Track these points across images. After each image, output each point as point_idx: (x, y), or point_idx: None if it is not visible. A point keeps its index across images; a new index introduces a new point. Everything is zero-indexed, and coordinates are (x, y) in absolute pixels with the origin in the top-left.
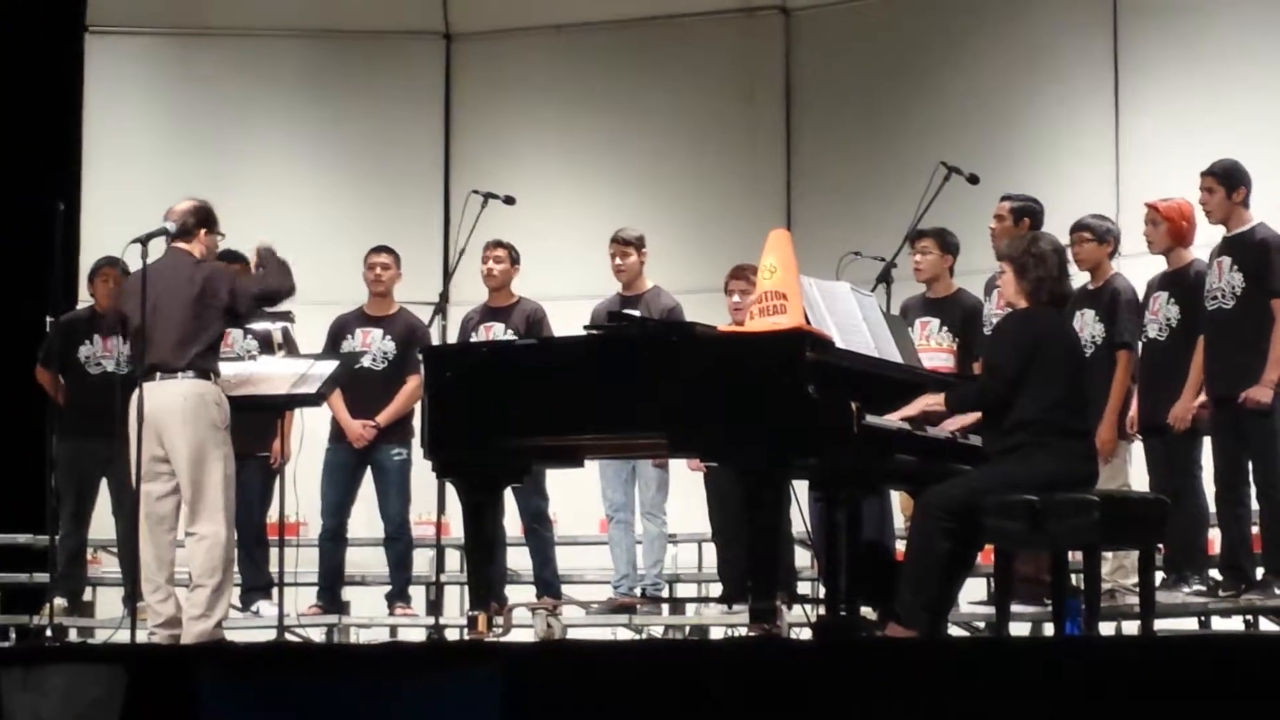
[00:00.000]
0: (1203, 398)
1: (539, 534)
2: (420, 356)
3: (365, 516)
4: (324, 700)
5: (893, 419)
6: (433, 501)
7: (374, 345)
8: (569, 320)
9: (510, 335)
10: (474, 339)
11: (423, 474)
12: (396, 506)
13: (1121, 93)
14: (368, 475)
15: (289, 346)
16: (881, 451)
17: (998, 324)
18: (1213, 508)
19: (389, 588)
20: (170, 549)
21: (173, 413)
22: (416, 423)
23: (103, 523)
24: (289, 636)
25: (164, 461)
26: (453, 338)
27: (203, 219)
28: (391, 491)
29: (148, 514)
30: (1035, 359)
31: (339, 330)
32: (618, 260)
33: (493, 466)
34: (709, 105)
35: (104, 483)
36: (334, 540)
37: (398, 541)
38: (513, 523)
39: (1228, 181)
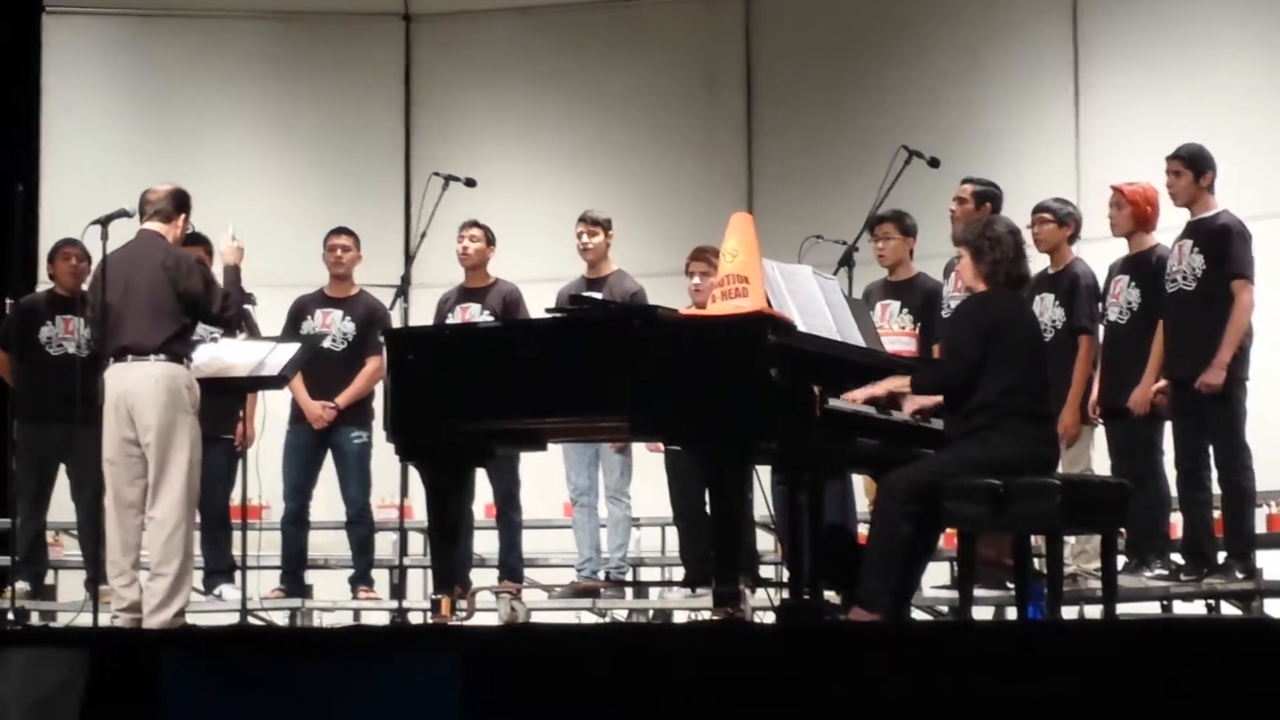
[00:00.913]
0: (1163, 382)
1: (509, 517)
2: (381, 338)
3: (327, 500)
4: (287, 683)
5: (858, 396)
6: (395, 485)
7: (334, 326)
8: (531, 303)
9: (487, 316)
10: (450, 320)
11: (385, 457)
12: (357, 490)
13: (1082, 77)
14: (329, 458)
15: (250, 329)
16: (844, 435)
17: (957, 307)
18: (1174, 492)
19: (352, 571)
20: (137, 533)
21: (143, 395)
22: (377, 405)
23: (63, 506)
24: (252, 620)
25: (133, 444)
26: (415, 320)
27: (181, 203)
28: (352, 475)
29: (115, 497)
30: (994, 342)
31: (299, 311)
32: (584, 239)
33: (455, 450)
34: (671, 89)
35: (63, 467)
36: (296, 523)
37: (359, 525)
38: (477, 506)
39: (1194, 165)
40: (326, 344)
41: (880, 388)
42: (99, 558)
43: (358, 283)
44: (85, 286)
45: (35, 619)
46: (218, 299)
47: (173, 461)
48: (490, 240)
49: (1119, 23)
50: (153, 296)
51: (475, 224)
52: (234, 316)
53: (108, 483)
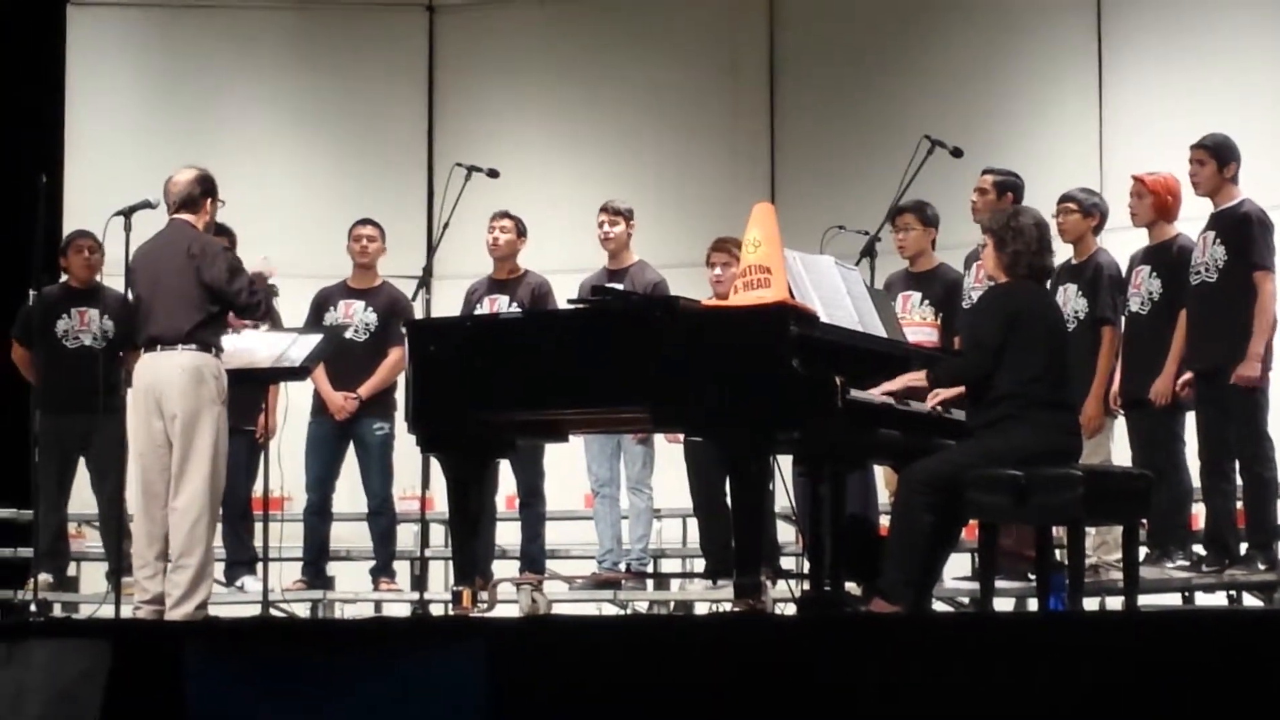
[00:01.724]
0: (1188, 374)
1: (532, 509)
2: (403, 329)
3: (349, 491)
4: (309, 675)
5: (876, 393)
6: (417, 476)
7: (356, 317)
8: (554, 294)
9: (515, 308)
10: (478, 311)
11: (407, 448)
12: (379, 482)
13: (1105, 66)
14: (351, 450)
15: (272, 320)
16: (865, 426)
17: (979, 298)
18: (1196, 483)
19: (373, 563)
20: (163, 525)
21: (170, 384)
22: (399, 396)
23: (85, 498)
24: (273, 611)
25: (161, 434)
26: (436, 311)
27: (207, 188)
28: (374, 466)
29: (143, 489)
30: (1016, 332)
31: (322, 302)
32: (606, 228)
33: (477, 441)
34: (693, 79)
35: (82, 459)
36: (318, 515)
37: (381, 516)
38: (499, 498)
39: (1219, 155)
40: (349, 335)
41: (896, 384)
42: (121, 549)
43: (380, 274)
44: (100, 278)
45: (58, 610)
46: (244, 286)
47: (197, 451)
48: (521, 231)
49: (1142, 11)
50: (180, 286)
51: (506, 215)
52: (259, 303)
53: (137, 474)
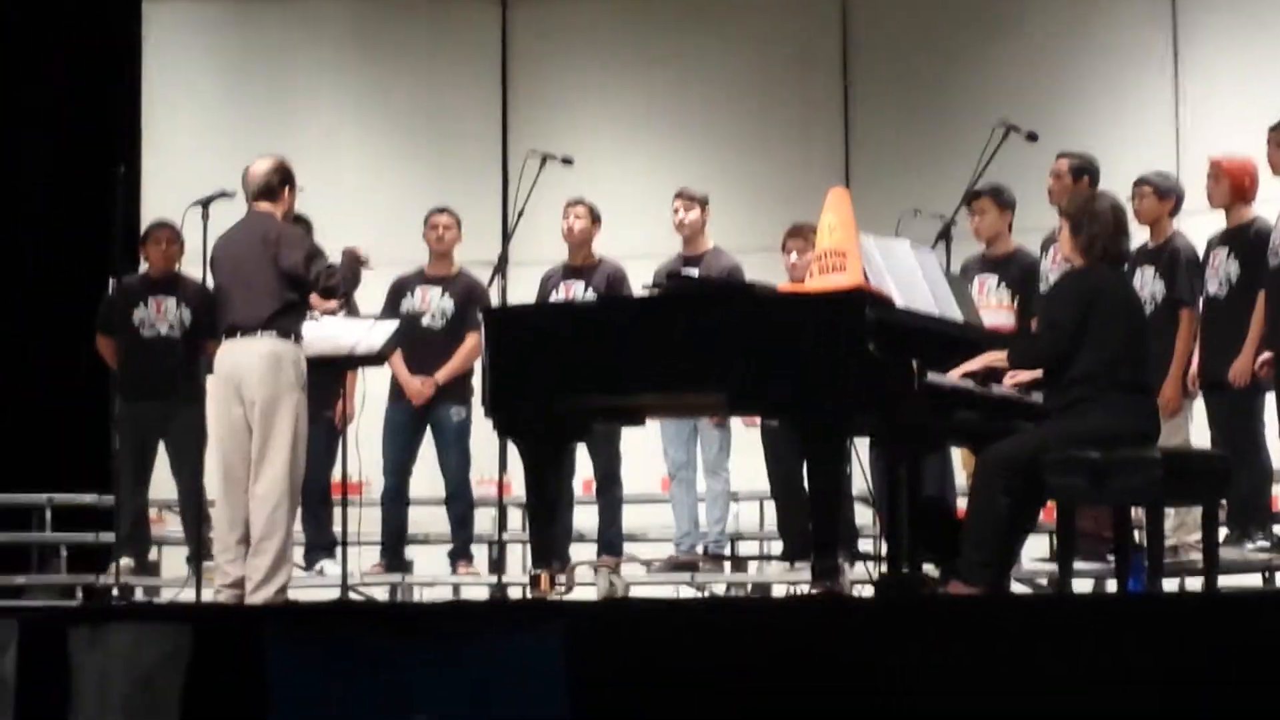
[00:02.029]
0: (1268, 354)
1: (609, 493)
2: (480, 315)
3: (427, 476)
4: (388, 659)
5: (954, 375)
6: (494, 461)
7: (433, 304)
8: (629, 281)
9: (591, 295)
10: (554, 298)
11: (484, 433)
12: (457, 465)
13: (1181, 48)
14: (428, 435)
15: (349, 307)
16: (942, 409)
17: (1056, 281)
18: (1277, 464)
19: (451, 546)
20: (244, 510)
21: (250, 370)
22: (476, 381)
23: (166, 483)
24: (352, 595)
25: (242, 420)
26: (512, 298)
27: (285, 176)
28: (451, 450)
29: (225, 474)
30: (1093, 314)
31: (399, 290)
32: (680, 214)
33: (553, 425)
34: (766, 65)
35: (161, 445)
36: (396, 500)
37: (459, 500)
38: (576, 481)
39: None
40: (426, 321)
41: (976, 363)
42: (201, 534)
43: (457, 261)
44: (179, 268)
45: (139, 595)
46: (321, 270)
47: (277, 436)
48: (595, 218)
49: None
50: (258, 274)
51: (580, 202)
52: (338, 285)
53: (218, 460)
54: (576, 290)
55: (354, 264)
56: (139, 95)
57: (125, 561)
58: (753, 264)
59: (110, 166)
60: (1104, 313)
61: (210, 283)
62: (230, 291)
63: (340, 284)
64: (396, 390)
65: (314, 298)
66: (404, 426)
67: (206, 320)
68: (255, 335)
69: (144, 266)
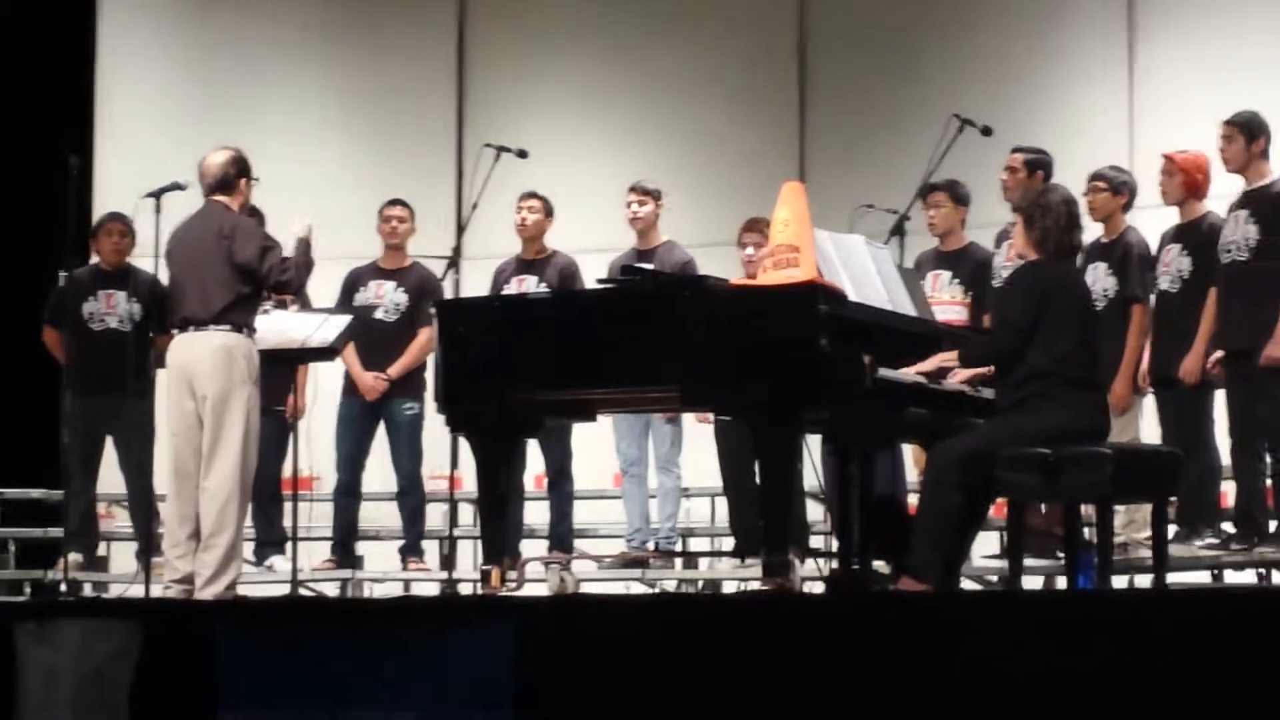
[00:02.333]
0: (1219, 353)
1: (560, 488)
2: (433, 310)
3: (379, 471)
4: (338, 654)
5: (908, 374)
6: (446, 456)
7: (387, 297)
8: (583, 273)
9: (544, 288)
10: (506, 291)
11: (436, 428)
12: (408, 461)
13: (1136, 44)
14: (381, 429)
15: (301, 300)
16: (894, 405)
17: (1008, 277)
18: (1226, 461)
19: (402, 542)
20: (195, 505)
21: (201, 363)
22: (429, 376)
23: (116, 478)
24: (302, 591)
25: (194, 414)
26: (466, 291)
27: (241, 168)
28: (404, 446)
29: (176, 469)
30: (1045, 310)
31: (352, 283)
32: (634, 208)
33: (505, 421)
34: (723, 58)
35: (110, 439)
36: (348, 494)
37: (410, 496)
38: (528, 476)
39: (1248, 131)
40: (379, 315)
41: (929, 364)
42: (150, 530)
43: (410, 254)
44: (130, 261)
45: (88, 590)
46: (275, 264)
47: (228, 431)
48: (549, 212)
49: None
50: (212, 267)
51: (534, 195)
52: (291, 279)
53: (170, 454)
54: (529, 284)
55: (306, 253)
56: (93, 84)
57: (74, 556)
58: (707, 258)
59: (62, 157)
60: (1056, 309)
61: (164, 275)
62: (183, 284)
63: (294, 279)
64: (349, 384)
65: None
66: (356, 421)
67: (156, 314)
68: (207, 329)
69: (94, 259)
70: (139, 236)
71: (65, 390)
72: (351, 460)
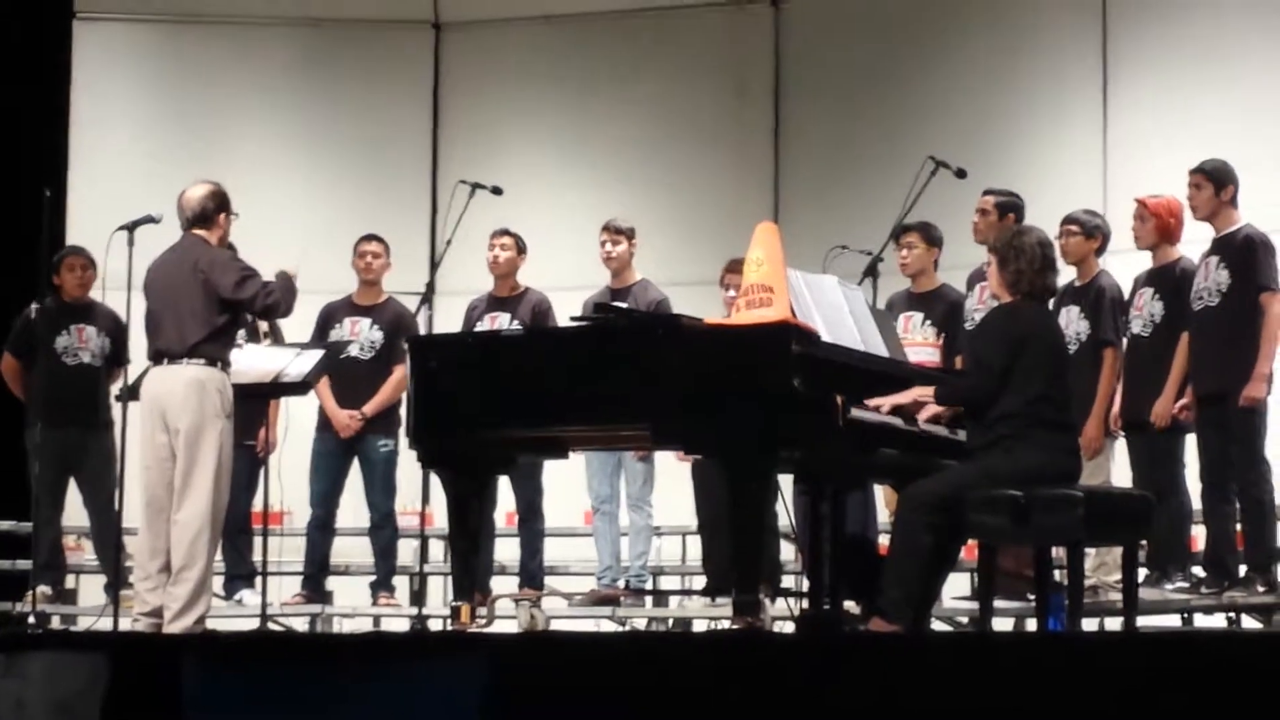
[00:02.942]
0: (1188, 397)
1: (530, 525)
2: (405, 345)
3: (350, 506)
4: (307, 689)
5: (884, 404)
6: (417, 492)
7: (362, 334)
8: (557, 311)
9: (516, 325)
10: (479, 328)
11: (408, 464)
12: (382, 497)
13: (1110, 88)
14: (355, 465)
15: (275, 335)
16: (866, 445)
17: (983, 319)
18: (1196, 504)
19: (373, 577)
20: (166, 538)
21: (174, 396)
22: (404, 413)
23: (82, 511)
24: (271, 625)
25: (166, 448)
26: (439, 327)
27: (220, 202)
28: (378, 482)
29: (148, 501)
30: (1020, 353)
31: (327, 318)
32: (608, 247)
33: (477, 457)
34: (698, 97)
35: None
36: (321, 529)
37: (382, 531)
38: (499, 513)
39: (1215, 179)
40: (354, 352)
41: (905, 396)
42: (118, 563)
43: (385, 290)
44: (94, 294)
45: (56, 623)
46: (257, 291)
47: (200, 465)
48: (521, 249)
49: (1146, 34)
50: (188, 300)
51: (506, 232)
52: (277, 303)
53: (142, 487)
54: (502, 321)
55: (288, 283)
56: (67, 116)
57: (42, 589)
58: (682, 296)
59: (36, 188)
60: (1030, 352)
61: (132, 308)
62: (160, 317)
63: (280, 301)
64: (324, 420)
65: (251, 316)
66: (331, 457)
67: (121, 347)
68: (181, 363)
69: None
70: (111, 268)
71: (33, 422)
72: (326, 495)
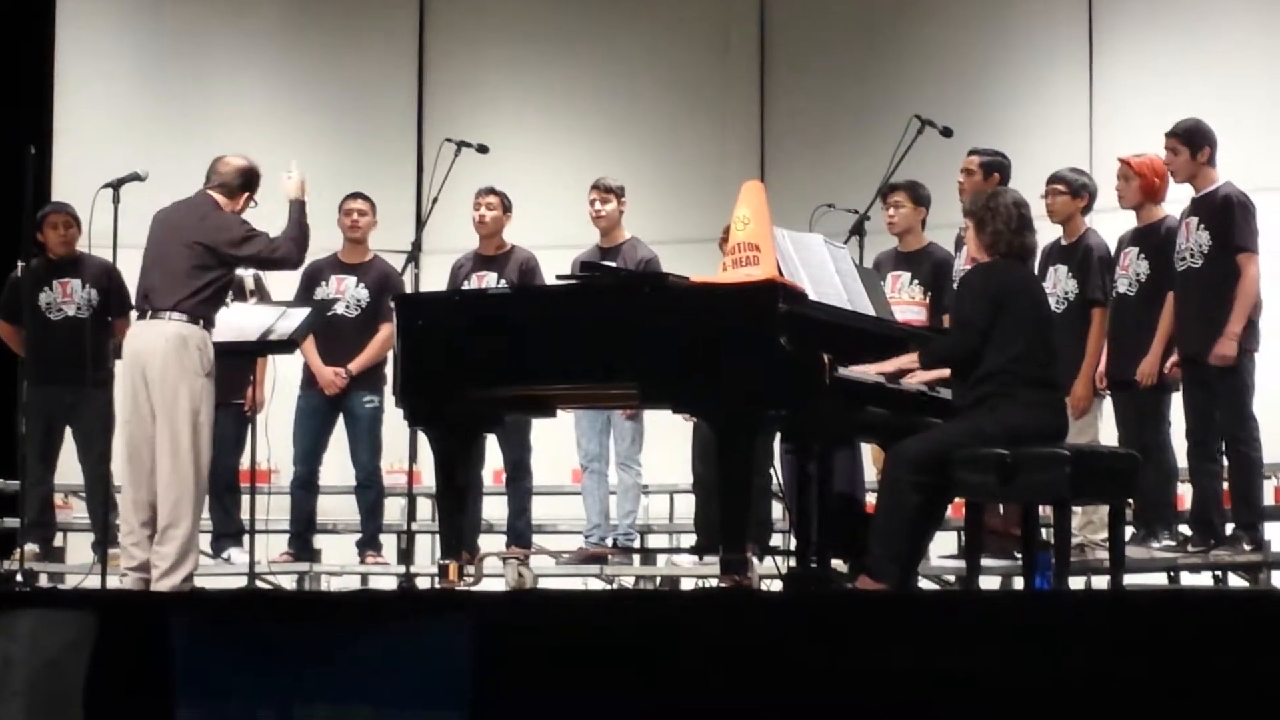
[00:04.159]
0: (1175, 356)
1: (518, 484)
2: (392, 304)
3: (337, 464)
4: (294, 647)
5: (869, 373)
6: (405, 450)
7: (348, 292)
8: (544, 269)
9: (503, 284)
10: (466, 287)
11: (395, 422)
12: (367, 454)
13: (1095, 46)
14: (340, 423)
15: (261, 293)
16: (853, 404)
17: (962, 278)
18: (1183, 463)
19: (360, 535)
20: (149, 493)
21: (154, 353)
22: (389, 370)
23: (72, 469)
24: (259, 583)
25: (146, 404)
26: (426, 285)
27: (248, 181)
28: (363, 439)
29: (129, 456)
30: (1001, 310)
31: (312, 277)
32: (597, 206)
33: (464, 415)
34: (684, 55)
35: (68, 430)
36: (305, 487)
37: (369, 489)
38: (487, 471)
39: (1190, 141)
40: (340, 310)
41: (891, 365)
42: (107, 520)
43: (371, 249)
44: (80, 249)
45: (44, 581)
46: (263, 245)
47: (178, 422)
48: (507, 207)
49: None
50: (179, 255)
51: (492, 191)
52: (289, 254)
53: (124, 443)
54: (488, 279)
55: (302, 215)
56: (51, 75)
57: (30, 547)
58: (669, 254)
59: (20, 148)
60: (1011, 309)
61: (124, 264)
62: (151, 268)
63: (290, 253)
64: (308, 377)
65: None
66: (315, 414)
67: (116, 299)
68: (162, 317)
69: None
70: (96, 226)
71: (22, 380)
72: (309, 453)
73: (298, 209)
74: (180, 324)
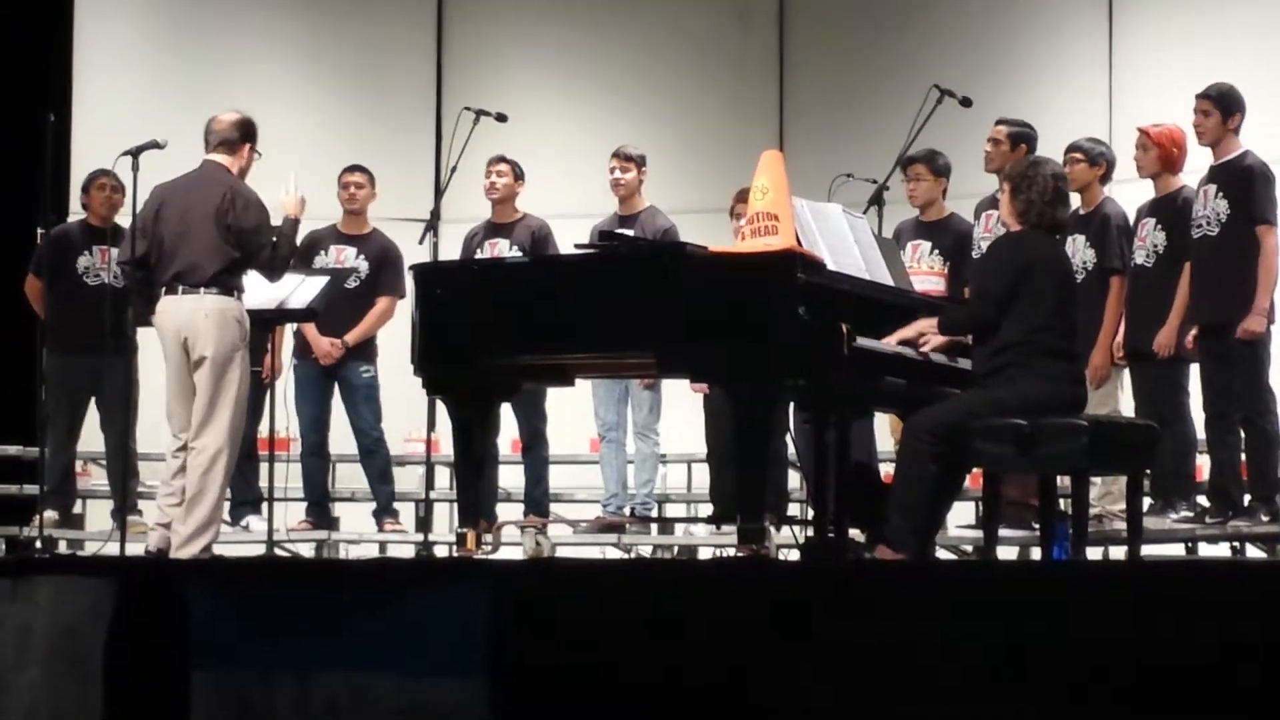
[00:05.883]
0: (1193, 330)
1: (535, 453)
2: (392, 278)
3: (348, 433)
4: (312, 615)
5: (890, 341)
6: (422, 418)
7: (347, 263)
8: (563, 238)
9: (515, 252)
10: (478, 256)
11: (413, 391)
12: (369, 419)
13: (1115, 16)
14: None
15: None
16: (871, 374)
17: (989, 246)
18: (1201, 434)
19: (375, 504)
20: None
21: (198, 327)
22: (381, 342)
23: (92, 436)
24: (278, 551)
25: (189, 376)
26: (444, 255)
27: (247, 132)
28: (362, 405)
29: (172, 422)
30: (1024, 281)
31: (312, 245)
32: (617, 174)
33: (481, 384)
34: (704, 25)
35: (93, 398)
36: (317, 455)
37: (376, 455)
38: (504, 441)
39: (1223, 105)
40: None
41: (911, 330)
42: (126, 488)
43: (385, 216)
44: (120, 218)
45: (63, 548)
46: (266, 245)
47: (223, 394)
48: (518, 175)
49: None
50: (208, 228)
51: (503, 159)
52: (278, 269)
53: (167, 412)
54: (501, 247)
55: (294, 234)
56: (71, 42)
57: (49, 514)
58: (687, 223)
59: (40, 114)
60: (1034, 280)
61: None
62: (176, 242)
63: (278, 269)
64: (302, 346)
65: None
66: (314, 383)
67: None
68: (198, 292)
69: (79, 214)
70: None
71: (44, 347)
72: (315, 421)
73: (291, 226)
74: (217, 298)
